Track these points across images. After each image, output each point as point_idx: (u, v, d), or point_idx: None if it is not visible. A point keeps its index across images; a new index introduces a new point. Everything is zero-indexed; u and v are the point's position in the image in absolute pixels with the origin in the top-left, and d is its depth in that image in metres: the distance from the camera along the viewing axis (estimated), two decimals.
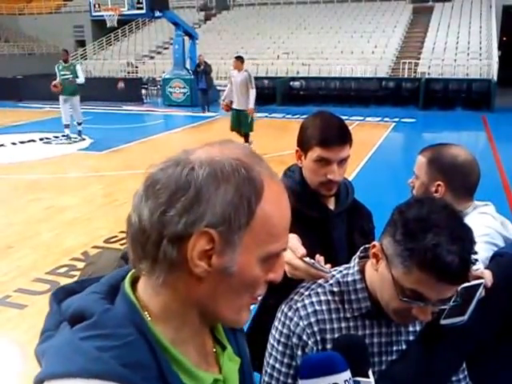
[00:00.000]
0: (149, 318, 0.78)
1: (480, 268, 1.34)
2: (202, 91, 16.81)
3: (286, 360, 1.35)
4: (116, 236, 6.13)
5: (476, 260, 1.17)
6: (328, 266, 1.41)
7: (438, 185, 1.86)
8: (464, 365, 1.44)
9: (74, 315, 0.78)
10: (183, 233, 0.72)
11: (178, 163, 0.76)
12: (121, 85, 17.37)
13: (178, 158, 0.77)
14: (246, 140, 10.26)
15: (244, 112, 9.97)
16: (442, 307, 1.21)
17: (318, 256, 1.44)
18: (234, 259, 0.75)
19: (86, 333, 0.73)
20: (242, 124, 10.13)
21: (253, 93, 9.92)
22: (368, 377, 1.12)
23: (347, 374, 1.06)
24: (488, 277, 1.31)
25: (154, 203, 0.74)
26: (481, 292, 1.27)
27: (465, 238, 1.14)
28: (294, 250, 1.42)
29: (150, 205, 0.74)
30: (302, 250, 1.43)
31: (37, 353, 0.78)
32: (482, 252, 1.58)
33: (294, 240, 1.45)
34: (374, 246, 1.28)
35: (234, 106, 10.10)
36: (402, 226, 1.17)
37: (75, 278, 1.69)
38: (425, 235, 1.12)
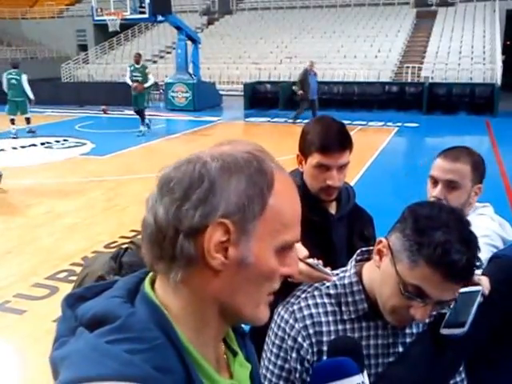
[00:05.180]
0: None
1: (478, 274, 1.34)
2: None
3: (279, 362, 1.35)
4: (116, 241, 6.10)
5: (481, 264, 1.20)
6: (328, 268, 1.42)
7: (479, 188, 1.86)
8: (462, 367, 1.43)
9: (94, 320, 0.76)
10: (199, 225, 0.73)
11: (190, 161, 0.78)
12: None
13: (189, 158, 0.79)
14: None
15: None
16: (441, 310, 1.23)
17: (315, 259, 1.44)
18: (250, 249, 0.76)
19: (111, 336, 0.72)
20: None
21: None
22: None
23: (359, 378, 1.06)
24: (485, 284, 1.32)
25: (169, 199, 0.75)
26: (479, 300, 1.28)
27: (471, 242, 1.17)
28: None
29: (165, 202, 0.75)
30: (305, 252, 1.45)
31: (53, 359, 0.74)
32: (482, 253, 1.56)
33: None
34: (381, 241, 1.28)
35: None
36: (412, 222, 1.19)
37: None
38: (435, 232, 1.15)
